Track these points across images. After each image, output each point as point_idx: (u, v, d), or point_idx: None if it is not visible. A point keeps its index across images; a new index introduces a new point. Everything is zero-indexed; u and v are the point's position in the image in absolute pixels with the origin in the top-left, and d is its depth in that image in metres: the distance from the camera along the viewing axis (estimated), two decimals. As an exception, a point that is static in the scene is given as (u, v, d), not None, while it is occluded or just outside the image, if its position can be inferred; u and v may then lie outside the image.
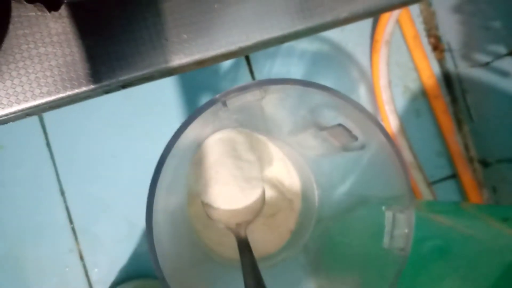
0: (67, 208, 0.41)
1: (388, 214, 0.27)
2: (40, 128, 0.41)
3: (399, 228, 0.27)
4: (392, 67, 0.47)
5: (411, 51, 0.46)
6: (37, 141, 0.41)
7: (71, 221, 0.41)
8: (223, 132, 0.38)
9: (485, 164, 0.49)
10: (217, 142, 0.37)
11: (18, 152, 0.41)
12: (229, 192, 0.36)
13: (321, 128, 0.29)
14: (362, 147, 0.28)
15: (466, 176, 0.48)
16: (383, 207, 0.29)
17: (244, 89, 0.25)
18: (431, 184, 0.48)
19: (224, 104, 0.25)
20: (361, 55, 0.46)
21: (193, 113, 0.24)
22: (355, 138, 0.27)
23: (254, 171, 0.38)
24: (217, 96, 0.24)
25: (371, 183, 0.33)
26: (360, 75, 0.46)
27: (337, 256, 0.30)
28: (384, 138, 0.25)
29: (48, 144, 0.41)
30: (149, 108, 0.43)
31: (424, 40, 0.48)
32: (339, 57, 0.46)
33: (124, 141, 0.42)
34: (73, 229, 0.41)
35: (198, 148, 0.39)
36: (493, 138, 0.47)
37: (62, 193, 0.41)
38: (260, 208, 0.38)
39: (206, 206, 0.37)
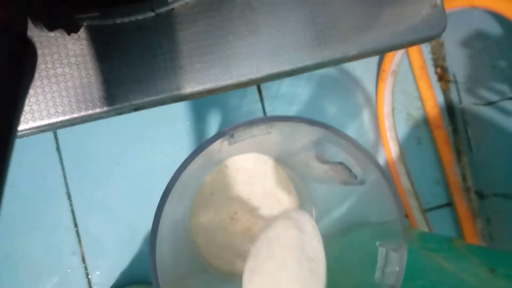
0: (72, 212, 0.42)
1: (382, 251, 0.28)
2: (51, 133, 0.42)
3: (391, 265, 0.27)
4: (397, 95, 0.47)
5: (417, 80, 0.47)
6: (48, 145, 0.42)
7: (75, 225, 0.43)
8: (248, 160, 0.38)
9: (481, 195, 0.50)
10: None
11: (29, 155, 0.42)
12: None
13: (323, 161, 0.30)
14: (361, 183, 0.29)
15: (462, 206, 0.49)
16: (377, 242, 0.30)
17: (251, 123, 0.26)
18: (426, 211, 0.49)
19: (232, 136, 0.26)
20: (367, 81, 0.47)
21: (201, 144, 0.26)
22: (354, 177, 0.28)
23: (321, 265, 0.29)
24: (226, 129, 0.25)
25: (366, 214, 0.34)
26: (365, 100, 0.47)
27: (330, 283, 0.31)
28: (383, 179, 0.26)
29: (58, 149, 0.42)
30: (158, 119, 0.44)
31: (431, 69, 0.48)
32: (346, 82, 0.47)
33: (131, 150, 0.43)
34: (77, 232, 0.43)
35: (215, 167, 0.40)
36: (491, 172, 0.47)
37: (69, 196, 0.43)
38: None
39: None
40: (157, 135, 0.44)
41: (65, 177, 0.42)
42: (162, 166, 0.44)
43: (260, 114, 0.45)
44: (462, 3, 0.36)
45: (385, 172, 0.27)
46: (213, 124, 0.45)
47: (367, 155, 0.26)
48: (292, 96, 0.45)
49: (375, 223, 0.33)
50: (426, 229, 0.49)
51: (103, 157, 0.43)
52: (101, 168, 0.43)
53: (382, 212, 0.31)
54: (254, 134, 0.27)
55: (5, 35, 0.13)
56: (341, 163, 0.28)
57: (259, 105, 0.45)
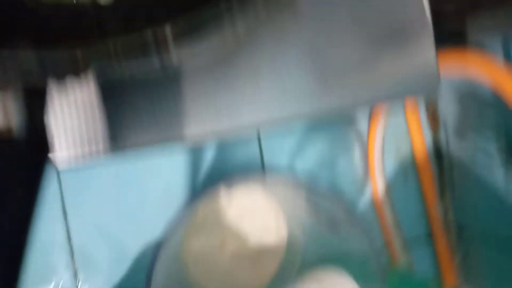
0: (67, 228, 0.44)
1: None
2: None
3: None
4: (388, 132, 0.49)
5: (408, 120, 0.49)
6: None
7: (69, 239, 0.44)
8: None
9: (460, 230, 0.52)
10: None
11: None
12: None
13: (310, 205, 0.32)
14: (345, 229, 0.31)
15: (441, 241, 0.51)
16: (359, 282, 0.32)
17: (248, 179, 0.27)
18: (407, 244, 0.52)
19: (229, 188, 0.27)
20: (360, 118, 0.49)
21: (195, 199, 0.27)
22: (338, 226, 0.30)
23: None
24: (223, 183, 0.27)
25: (348, 253, 0.36)
26: (356, 135, 0.49)
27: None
28: (363, 233, 0.28)
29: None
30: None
31: (423, 110, 0.50)
32: (340, 118, 0.48)
33: (127, 172, 0.45)
34: (70, 248, 0.44)
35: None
36: (472, 210, 0.50)
37: (64, 212, 0.44)
38: None
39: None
40: (153, 160, 0.45)
41: (61, 194, 0.44)
42: (157, 186, 0.45)
43: (256, 148, 0.46)
44: (456, 66, 0.38)
45: (362, 226, 0.29)
46: (210, 146, 0.46)
47: (350, 213, 0.28)
48: (287, 131, 0.46)
49: (357, 263, 0.35)
50: (406, 262, 0.51)
51: (100, 176, 0.44)
52: (97, 187, 0.44)
53: (362, 254, 0.33)
54: (251, 187, 0.28)
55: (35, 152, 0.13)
56: (326, 212, 0.30)
57: (255, 134, 0.46)
